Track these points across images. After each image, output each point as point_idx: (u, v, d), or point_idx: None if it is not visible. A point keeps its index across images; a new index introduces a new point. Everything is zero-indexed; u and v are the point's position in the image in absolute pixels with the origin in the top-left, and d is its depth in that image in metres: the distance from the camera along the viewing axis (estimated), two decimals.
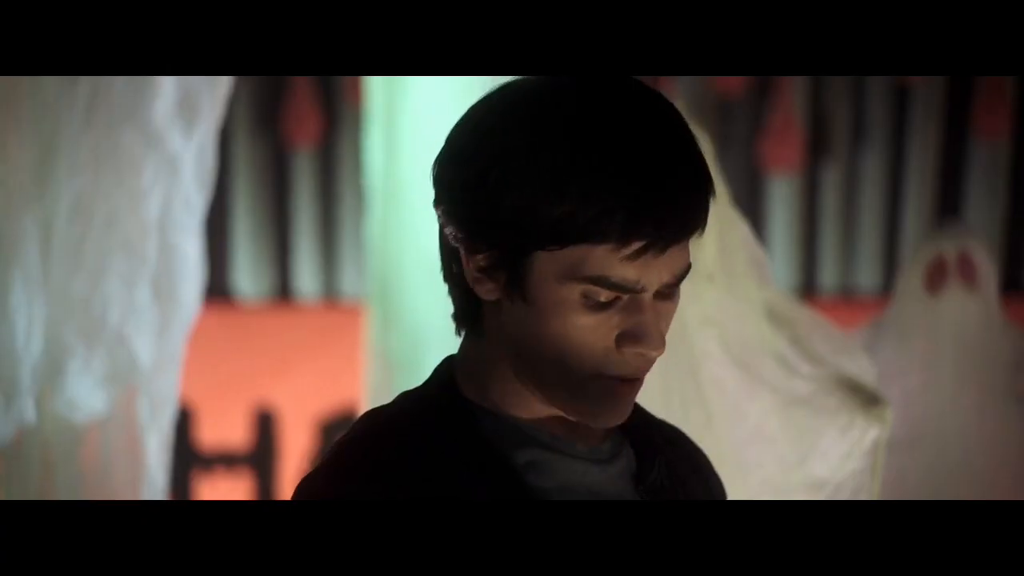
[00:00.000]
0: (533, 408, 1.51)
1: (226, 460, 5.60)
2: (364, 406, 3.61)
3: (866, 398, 2.70)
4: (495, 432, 1.50)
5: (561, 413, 1.51)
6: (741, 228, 2.73)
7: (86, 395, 2.88)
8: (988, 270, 3.91)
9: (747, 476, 2.70)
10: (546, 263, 1.43)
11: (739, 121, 5.94)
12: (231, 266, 5.90)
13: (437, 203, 1.50)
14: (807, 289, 5.97)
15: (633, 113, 1.44)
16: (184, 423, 5.19)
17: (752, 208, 5.86)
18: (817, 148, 5.96)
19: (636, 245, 1.41)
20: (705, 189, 1.45)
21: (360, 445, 1.51)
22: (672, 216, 1.42)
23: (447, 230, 1.49)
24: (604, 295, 1.43)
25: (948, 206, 5.90)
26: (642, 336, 1.45)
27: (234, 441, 5.63)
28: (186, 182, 3.01)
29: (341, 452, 1.51)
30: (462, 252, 1.48)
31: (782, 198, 6.00)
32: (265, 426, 5.64)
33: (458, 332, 1.56)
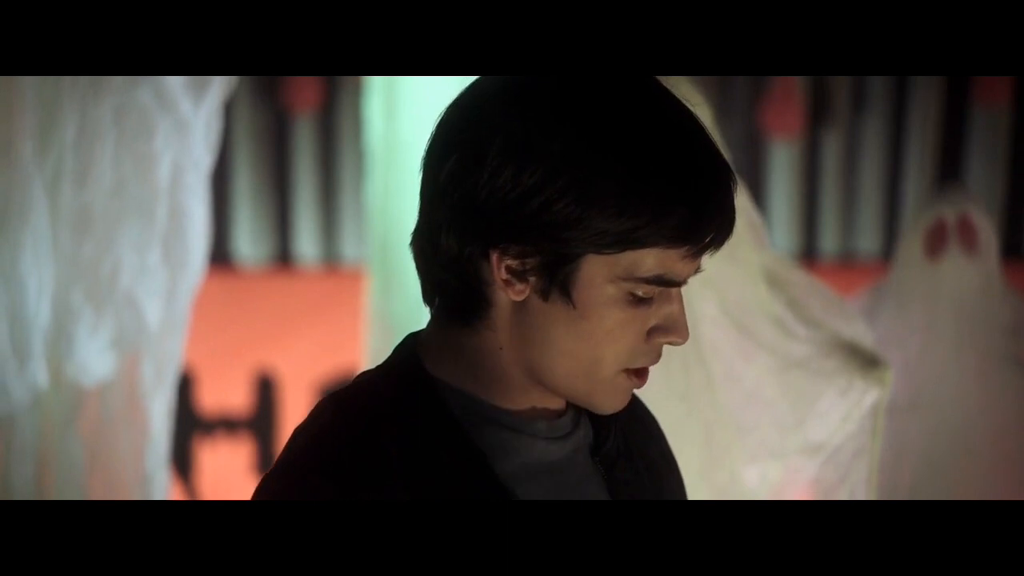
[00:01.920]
0: (515, 396, 1.50)
1: (227, 425, 5.61)
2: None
3: (866, 360, 2.70)
4: (462, 413, 1.49)
5: (532, 398, 1.51)
6: (739, 192, 2.72)
7: (95, 359, 2.88)
8: (988, 235, 3.90)
9: (744, 438, 2.71)
10: (597, 266, 1.42)
11: (740, 86, 5.93)
12: (232, 232, 5.90)
13: (452, 194, 1.44)
14: (807, 254, 5.97)
15: (676, 118, 1.45)
16: (185, 388, 5.20)
17: (753, 173, 5.85)
18: (818, 113, 5.95)
19: (698, 246, 1.44)
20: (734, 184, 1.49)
21: (327, 435, 1.48)
22: (728, 216, 1.46)
23: (462, 226, 1.44)
24: (646, 290, 1.44)
25: (948, 171, 5.89)
26: (673, 327, 1.47)
27: (235, 406, 5.65)
28: (196, 145, 3.02)
29: (310, 446, 1.48)
30: (492, 253, 1.43)
31: (783, 163, 6.00)
32: (266, 391, 5.65)
33: (442, 312, 1.51)
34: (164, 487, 3.13)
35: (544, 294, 1.44)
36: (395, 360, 1.55)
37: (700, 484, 2.69)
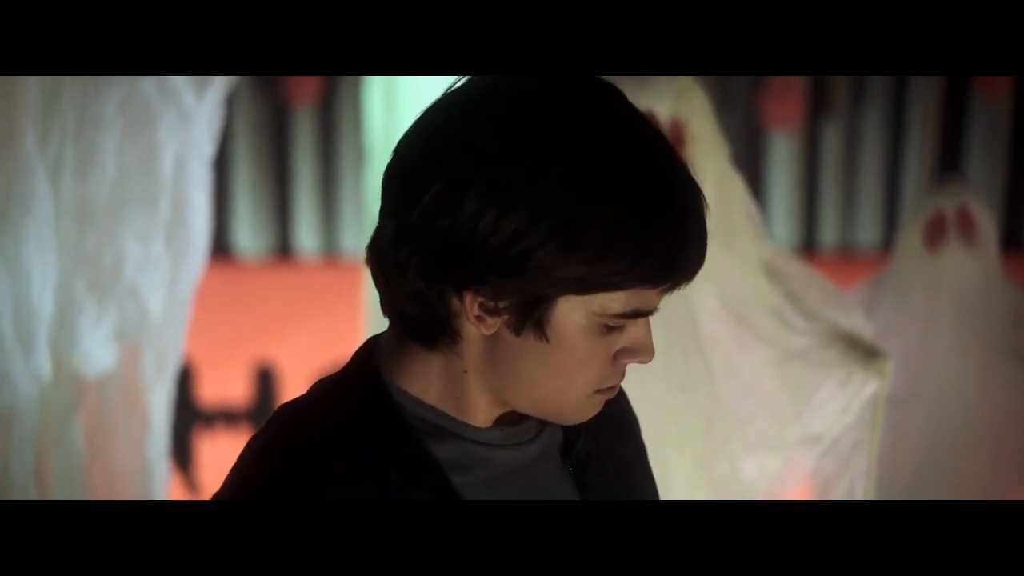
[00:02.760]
0: (480, 413, 1.48)
1: (227, 416, 5.62)
2: None
3: (865, 352, 2.70)
4: (420, 425, 1.47)
5: (493, 411, 1.49)
6: (737, 184, 2.73)
7: (98, 350, 2.88)
8: (988, 227, 3.90)
9: (743, 430, 2.71)
10: (572, 304, 1.41)
11: (740, 78, 5.93)
12: (232, 224, 5.90)
13: (426, 231, 1.40)
14: (807, 246, 5.97)
15: (651, 151, 1.42)
16: (185, 380, 5.21)
17: (753, 165, 5.86)
18: (818, 105, 5.96)
19: (674, 285, 1.43)
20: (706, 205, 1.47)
21: (274, 447, 1.47)
22: (702, 252, 1.44)
23: (434, 265, 1.40)
24: (617, 322, 1.43)
25: (948, 163, 5.89)
26: (640, 349, 1.46)
27: (235, 397, 5.65)
28: (199, 136, 3.02)
29: (257, 456, 1.48)
30: (465, 294, 1.40)
31: (783, 155, 6.00)
32: (265, 382, 5.65)
33: (399, 332, 1.48)
34: (164, 479, 3.13)
35: (517, 330, 1.42)
36: (352, 368, 1.52)
37: (699, 476, 2.69)
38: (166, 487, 3.15)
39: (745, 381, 2.72)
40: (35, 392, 2.69)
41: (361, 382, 1.50)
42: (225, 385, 5.64)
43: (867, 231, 6.00)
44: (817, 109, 5.96)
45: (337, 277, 5.71)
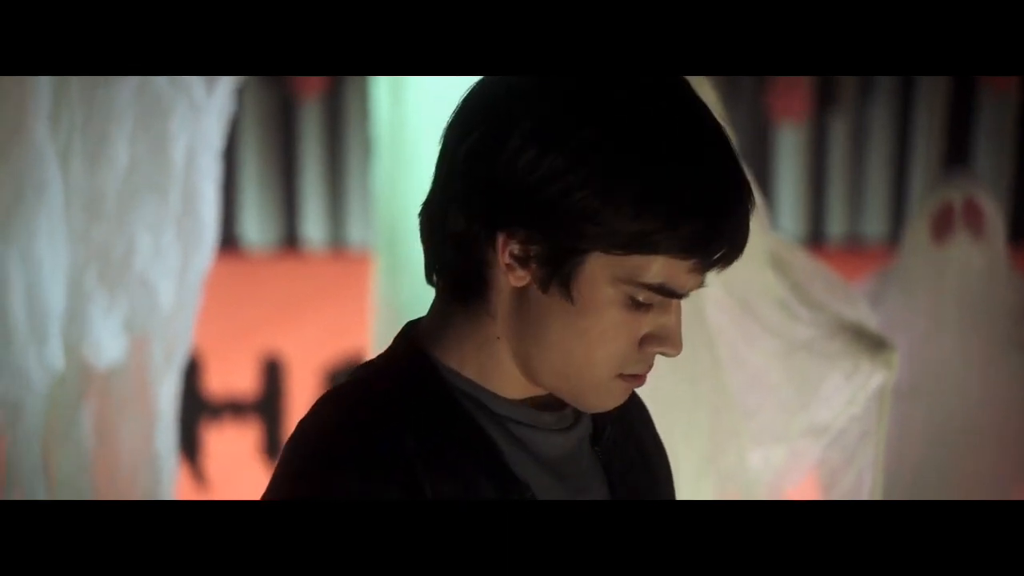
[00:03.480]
0: (514, 386, 1.49)
1: (234, 408, 5.62)
2: (371, 355, 3.66)
3: (872, 343, 2.70)
4: (474, 405, 1.48)
5: (535, 389, 1.50)
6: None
7: (109, 341, 2.89)
8: (995, 219, 3.90)
9: (749, 421, 2.71)
10: (601, 264, 1.41)
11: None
12: (239, 215, 5.91)
13: (469, 170, 1.42)
14: (814, 238, 5.97)
15: (706, 129, 1.43)
16: (193, 371, 5.21)
17: (760, 158, 5.85)
18: (824, 97, 5.95)
19: (706, 260, 1.43)
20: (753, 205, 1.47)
21: (338, 429, 1.45)
22: (741, 235, 1.44)
23: (473, 203, 1.42)
24: (646, 296, 1.43)
25: (956, 156, 5.89)
26: (667, 338, 1.46)
27: (242, 389, 5.66)
28: (209, 128, 3.03)
29: (323, 442, 1.45)
30: (499, 235, 1.42)
31: (790, 148, 6.00)
32: (273, 375, 5.66)
33: (444, 294, 1.50)
34: (171, 470, 3.13)
35: (544, 285, 1.43)
36: (397, 350, 1.53)
37: (707, 468, 2.69)
38: (173, 478, 3.15)
39: (751, 372, 2.72)
40: (46, 383, 2.69)
41: (408, 361, 1.50)
42: (232, 376, 5.64)
43: (874, 224, 6.00)
44: (824, 102, 5.96)
45: (344, 269, 5.71)
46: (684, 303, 1.50)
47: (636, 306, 1.43)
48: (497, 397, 1.48)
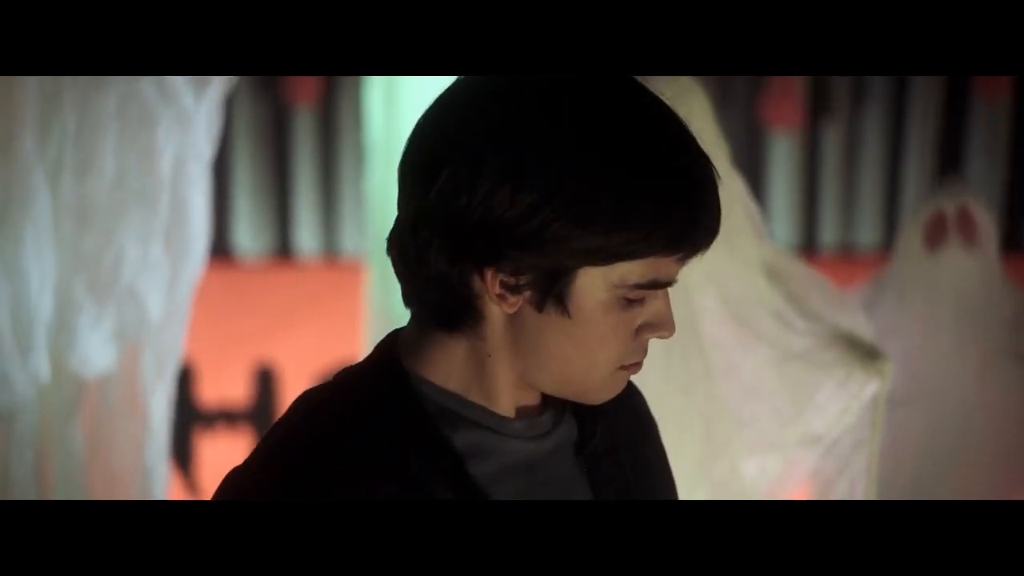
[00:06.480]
0: (492, 395, 1.49)
1: (227, 417, 5.62)
2: None
3: (865, 352, 2.70)
4: (439, 413, 1.48)
5: (515, 398, 1.51)
6: (737, 184, 2.73)
7: (97, 351, 2.89)
8: (988, 227, 3.90)
9: (744, 430, 2.71)
10: (592, 275, 1.42)
11: (740, 78, 5.93)
12: (232, 224, 5.90)
13: (442, 213, 1.41)
14: (807, 246, 5.97)
15: (662, 125, 1.44)
16: (185, 380, 5.21)
17: (753, 166, 5.86)
18: (818, 105, 5.96)
19: (691, 251, 1.45)
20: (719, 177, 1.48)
21: (293, 436, 1.48)
22: (716, 214, 1.46)
23: (453, 245, 1.42)
24: (638, 294, 1.45)
25: (949, 164, 5.89)
26: (661, 323, 1.48)
27: (235, 398, 5.65)
28: (198, 138, 3.02)
29: (276, 445, 1.49)
30: (486, 271, 1.42)
31: (783, 156, 6.00)
32: (266, 383, 5.65)
33: (426, 320, 1.50)
34: (164, 480, 3.13)
35: (539, 305, 1.44)
36: (374, 358, 1.54)
37: (700, 476, 2.69)
38: (166, 488, 3.15)
39: (745, 382, 2.72)
40: (33, 393, 2.69)
41: (380, 370, 1.51)
42: (225, 385, 5.64)
43: (867, 231, 6.00)
44: (817, 109, 5.96)
45: (337, 278, 5.71)
46: (678, 312, 1.52)
47: (629, 304, 1.45)
48: (472, 405, 1.49)
